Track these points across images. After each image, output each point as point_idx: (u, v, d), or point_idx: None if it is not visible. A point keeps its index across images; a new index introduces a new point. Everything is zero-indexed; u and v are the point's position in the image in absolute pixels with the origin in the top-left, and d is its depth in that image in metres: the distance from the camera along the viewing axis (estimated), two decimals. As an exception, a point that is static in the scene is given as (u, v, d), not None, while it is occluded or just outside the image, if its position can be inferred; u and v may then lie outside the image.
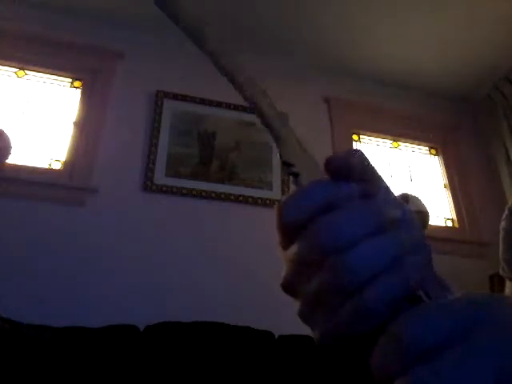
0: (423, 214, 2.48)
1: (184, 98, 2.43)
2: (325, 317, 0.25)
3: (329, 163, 0.26)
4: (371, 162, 0.27)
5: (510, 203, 0.99)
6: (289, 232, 0.26)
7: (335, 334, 0.24)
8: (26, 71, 2.34)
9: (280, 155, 0.28)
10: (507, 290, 0.96)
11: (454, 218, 2.65)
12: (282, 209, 0.25)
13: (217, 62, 0.30)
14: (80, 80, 2.40)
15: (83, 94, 2.36)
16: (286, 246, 0.26)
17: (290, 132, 0.29)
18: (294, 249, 0.25)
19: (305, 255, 0.25)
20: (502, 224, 0.98)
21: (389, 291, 0.23)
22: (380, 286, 0.23)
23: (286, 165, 0.28)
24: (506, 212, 0.98)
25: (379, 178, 0.28)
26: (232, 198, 2.23)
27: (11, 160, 1.87)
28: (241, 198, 2.25)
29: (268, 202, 2.27)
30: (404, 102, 2.89)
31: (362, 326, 0.24)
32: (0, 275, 1.73)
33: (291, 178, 0.28)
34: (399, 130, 2.83)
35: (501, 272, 0.98)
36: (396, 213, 0.26)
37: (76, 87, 2.39)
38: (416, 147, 2.88)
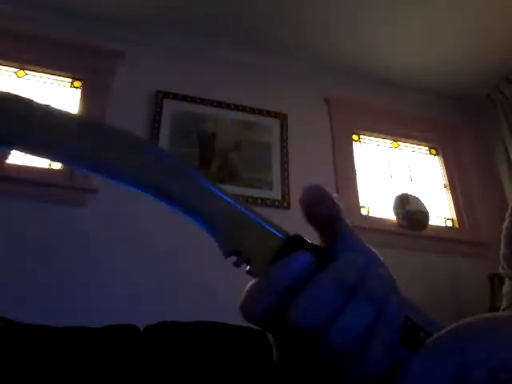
0: (423, 214, 2.48)
1: (184, 98, 2.43)
2: None
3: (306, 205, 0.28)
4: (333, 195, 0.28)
5: None
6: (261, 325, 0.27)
7: None
8: (26, 71, 2.34)
9: None
10: (506, 289, 0.97)
11: (454, 217, 2.65)
12: (246, 304, 0.26)
13: None
14: (80, 80, 2.40)
15: (83, 94, 2.36)
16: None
17: None
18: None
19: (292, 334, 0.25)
20: (506, 223, 0.98)
21: (383, 352, 0.24)
22: (373, 350, 0.24)
23: None
24: (509, 211, 0.98)
25: (343, 222, 0.29)
26: (232, 198, 2.23)
27: (11, 160, 1.87)
28: (241, 198, 2.24)
29: (268, 202, 2.27)
30: (404, 101, 2.89)
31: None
32: (0, 275, 1.73)
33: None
34: (399, 129, 2.83)
35: (500, 270, 0.98)
36: (358, 267, 0.25)
37: (76, 87, 2.39)
38: (416, 147, 2.88)
